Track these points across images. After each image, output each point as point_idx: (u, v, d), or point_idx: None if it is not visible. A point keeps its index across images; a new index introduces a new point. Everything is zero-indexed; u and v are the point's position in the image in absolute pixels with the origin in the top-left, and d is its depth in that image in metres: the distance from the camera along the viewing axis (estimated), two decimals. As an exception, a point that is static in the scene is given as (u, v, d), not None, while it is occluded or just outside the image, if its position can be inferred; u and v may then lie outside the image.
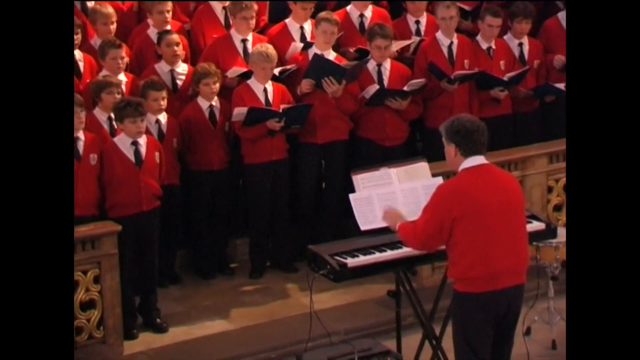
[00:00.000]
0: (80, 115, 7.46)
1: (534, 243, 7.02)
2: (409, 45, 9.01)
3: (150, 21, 8.72)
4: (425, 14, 9.22)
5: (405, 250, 6.22)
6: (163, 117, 8.09)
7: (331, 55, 8.57)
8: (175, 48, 8.40)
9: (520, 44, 9.12)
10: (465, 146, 5.68)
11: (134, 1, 9.19)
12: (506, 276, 5.62)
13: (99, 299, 7.26)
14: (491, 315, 5.65)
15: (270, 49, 8.32)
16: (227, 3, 8.84)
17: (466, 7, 9.34)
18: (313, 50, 8.54)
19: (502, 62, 8.99)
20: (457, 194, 5.63)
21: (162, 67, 8.45)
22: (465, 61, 8.85)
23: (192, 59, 8.76)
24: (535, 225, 6.47)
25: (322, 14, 8.57)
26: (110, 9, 8.59)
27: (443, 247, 5.77)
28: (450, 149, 5.75)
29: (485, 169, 5.72)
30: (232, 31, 8.68)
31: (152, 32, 8.65)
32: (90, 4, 8.85)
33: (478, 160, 5.71)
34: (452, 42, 8.84)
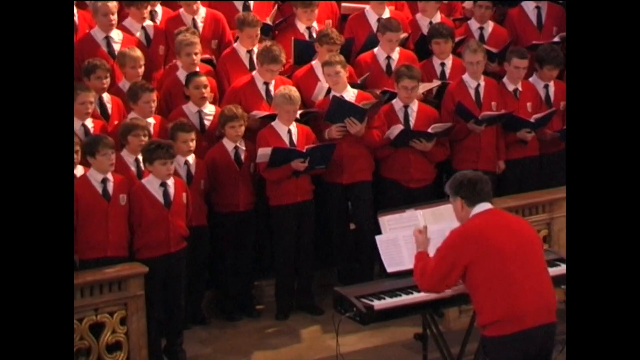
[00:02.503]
0: (110, 157, 7.52)
1: (562, 286, 6.97)
2: (432, 88, 9.04)
3: (178, 63, 8.79)
4: (451, 56, 9.25)
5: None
6: (192, 159, 8.13)
7: (350, 93, 8.59)
8: (203, 90, 8.46)
9: (546, 86, 9.12)
10: (470, 196, 5.74)
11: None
12: (531, 315, 5.59)
13: (125, 340, 7.26)
14: (520, 357, 5.60)
15: (293, 91, 8.36)
16: (254, 48, 8.91)
17: (493, 50, 9.36)
18: (332, 95, 8.58)
19: (528, 104, 8.99)
20: (469, 237, 5.65)
21: (190, 108, 8.51)
22: (493, 103, 8.85)
23: (218, 100, 8.81)
24: (562, 269, 6.42)
25: (324, 58, 8.60)
26: (138, 52, 8.67)
27: (449, 291, 5.80)
28: (456, 204, 5.81)
29: (495, 212, 5.78)
30: (255, 74, 8.74)
31: (182, 74, 8.72)
32: (115, 49, 8.92)
33: (486, 206, 5.75)
34: (479, 84, 8.85)
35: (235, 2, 9.54)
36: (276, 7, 9.60)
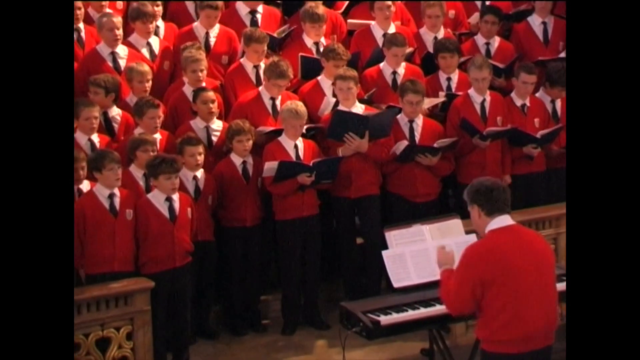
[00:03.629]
0: (117, 172, 7.55)
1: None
2: (438, 103, 9.05)
3: (185, 79, 8.81)
4: (457, 71, 9.26)
5: (438, 308, 6.19)
6: (200, 174, 8.14)
7: (358, 109, 8.61)
8: (211, 105, 8.48)
9: (553, 101, 9.12)
10: (487, 205, 5.66)
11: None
12: (537, 339, 5.57)
13: (132, 355, 7.26)
14: None
15: (300, 106, 8.38)
16: (260, 63, 8.93)
17: (499, 65, 9.37)
18: (339, 108, 8.59)
19: (536, 120, 8.99)
20: (486, 257, 5.57)
21: (197, 123, 8.52)
22: (498, 118, 8.86)
23: (225, 116, 8.83)
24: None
25: (338, 72, 8.62)
26: (146, 67, 8.70)
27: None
28: (474, 211, 5.73)
29: (513, 230, 5.67)
30: (262, 89, 8.76)
31: (188, 90, 8.74)
32: (121, 64, 8.95)
33: (504, 220, 5.66)
34: (484, 99, 8.86)
35: (243, 17, 9.56)
36: (287, 25, 9.60)
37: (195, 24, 9.34)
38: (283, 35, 9.44)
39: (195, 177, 8.11)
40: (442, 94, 9.14)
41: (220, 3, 9.29)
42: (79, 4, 9.31)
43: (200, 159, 8.07)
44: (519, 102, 9.01)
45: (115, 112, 8.51)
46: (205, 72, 8.73)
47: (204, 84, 8.72)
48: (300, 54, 9.21)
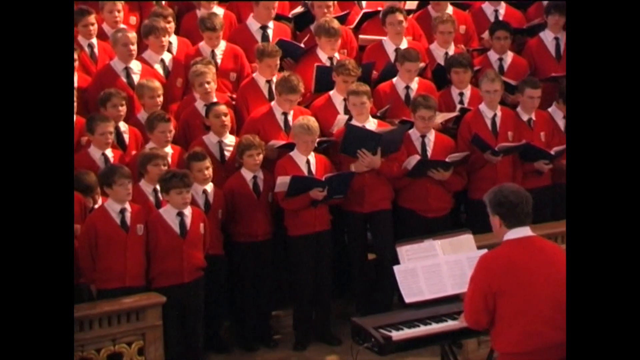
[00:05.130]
0: (127, 187, 7.57)
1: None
2: (451, 118, 9.05)
3: (196, 95, 8.84)
4: (469, 86, 9.26)
5: (450, 324, 6.17)
6: (210, 188, 8.15)
7: (371, 124, 8.62)
8: (224, 119, 8.50)
9: (565, 118, 9.11)
10: (509, 218, 5.64)
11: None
12: (550, 351, 5.53)
13: (143, 370, 7.27)
14: None
15: (312, 121, 8.38)
16: (273, 78, 8.95)
17: (512, 82, 9.36)
18: (352, 123, 8.60)
19: (542, 134, 8.99)
20: (498, 267, 5.55)
21: (210, 138, 8.54)
22: (509, 133, 8.85)
23: (237, 131, 8.85)
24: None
25: (350, 87, 8.63)
26: (156, 83, 8.73)
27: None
28: (495, 220, 5.71)
29: (530, 242, 5.64)
30: (274, 104, 8.77)
31: (200, 105, 8.76)
32: (135, 79, 8.99)
33: (523, 232, 5.65)
34: (495, 114, 8.86)
35: (254, 33, 9.59)
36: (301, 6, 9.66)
37: (201, 43, 9.38)
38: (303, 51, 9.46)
39: (205, 191, 8.13)
40: (458, 107, 9.13)
41: (219, 23, 9.31)
42: (92, 19, 9.37)
43: (208, 173, 8.08)
44: (525, 117, 9.01)
45: (123, 127, 8.54)
46: (213, 84, 8.75)
47: (215, 98, 8.74)
48: (316, 64, 9.21)
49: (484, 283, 5.54)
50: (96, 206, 7.81)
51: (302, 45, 9.50)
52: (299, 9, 10.02)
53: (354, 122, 8.59)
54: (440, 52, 9.64)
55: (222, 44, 9.36)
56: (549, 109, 9.16)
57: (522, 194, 5.74)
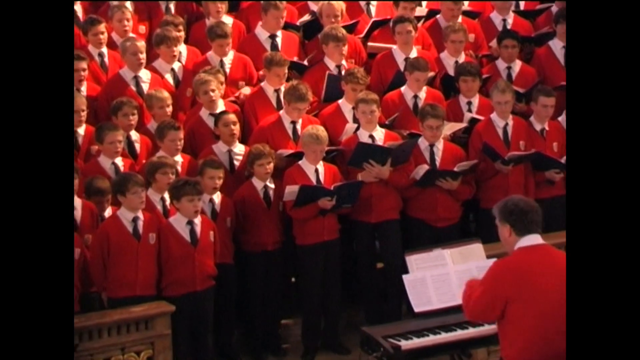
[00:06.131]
0: (141, 195, 7.59)
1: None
2: (460, 129, 9.05)
3: (201, 103, 8.85)
4: (477, 95, 9.26)
5: (459, 333, 6.18)
6: (217, 197, 8.16)
7: (379, 133, 8.61)
8: (233, 127, 8.51)
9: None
10: (519, 225, 5.61)
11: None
12: (562, 359, 5.52)
13: (152, 379, 7.27)
14: None
15: (321, 131, 8.39)
16: (281, 87, 8.96)
17: (520, 90, 9.36)
18: (360, 132, 8.60)
19: (555, 144, 8.97)
20: (512, 273, 5.53)
21: (220, 147, 8.55)
22: (521, 142, 8.85)
23: (246, 140, 8.85)
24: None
25: (359, 95, 8.63)
26: (165, 93, 8.75)
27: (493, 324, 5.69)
28: (504, 230, 5.67)
29: (542, 250, 5.63)
30: (282, 113, 8.78)
31: (204, 114, 8.79)
32: (144, 88, 9.01)
33: (534, 239, 5.62)
34: (507, 124, 8.86)
35: (262, 42, 9.60)
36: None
37: (210, 52, 9.40)
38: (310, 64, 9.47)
39: (211, 200, 8.13)
40: (467, 115, 9.11)
41: (229, 30, 9.33)
42: (102, 28, 9.40)
43: (219, 182, 8.09)
44: (538, 127, 9.00)
45: (135, 137, 8.57)
46: (217, 92, 8.75)
47: (219, 106, 8.74)
48: (328, 72, 9.21)
49: (497, 288, 5.52)
50: (105, 214, 7.82)
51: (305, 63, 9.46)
52: (307, 17, 10.02)
53: (362, 132, 8.58)
54: (450, 60, 9.63)
55: (231, 54, 9.38)
56: (559, 118, 9.15)
57: (532, 203, 5.74)
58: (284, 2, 9.68)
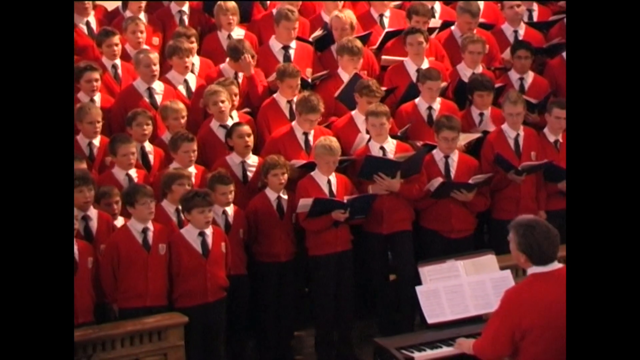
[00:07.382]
0: (150, 206, 7.61)
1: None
2: (474, 139, 9.04)
3: (211, 114, 8.87)
4: (490, 107, 9.25)
5: (473, 345, 6.14)
6: (230, 209, 8.17)
7: (390, 145, 8.62)
8: (247, 139, 8.53)
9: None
10: (536, 259, 5.45)
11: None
12: None
13: (165, 390, 7.27)
14: None
15: (333, 142, 8.40)
16: (294, 98, 8.98)
17: (532, 100, 9.36)
18: (371, 143, 8.61)
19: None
20: (526, 303, 5.39)
21: (233, 159, 8.57)
22: (532, 153, 8.84)
23: (258, 150, 8.86)
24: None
25: (369, 108, 8.64)
26: (180, 105, 8.79)
27: None
28: (519, 256, 5.49)
29: (555, 275, 5.45)
30: (295, 124, 8.80)
31: (215, 125, 8.81)
32: (157, 100, 9.04)
33: (549, 266, 5.46)
34: (518, 134, 8.85)
35: (275, 53, 9.63)
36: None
37: (223, 65, 9.43)
38: (317, 77, 9.48)
39: (225, 212, 8.14)
40: (479, 127, 9.12)
41: (248, 45, 9.31)
42: (116, 40, 9.45)
43: (231, 197, 8.09)
44: (552, 138, 8.98)
45: (149, 148, 8.60)
46: (227, 103, 8.75)
47: (230, 117, 8.76)
48: (355, 71, 9.16)
49: (512, 319, 5.37)
50: (116, 222, 7.84)
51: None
52: (319, 32, 10.03)
53: (373, 144, 8.58)
54: (467, 72, 9.60)
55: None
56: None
57: (551, 233, 5.52)
58: (296, 14, 9.70)
